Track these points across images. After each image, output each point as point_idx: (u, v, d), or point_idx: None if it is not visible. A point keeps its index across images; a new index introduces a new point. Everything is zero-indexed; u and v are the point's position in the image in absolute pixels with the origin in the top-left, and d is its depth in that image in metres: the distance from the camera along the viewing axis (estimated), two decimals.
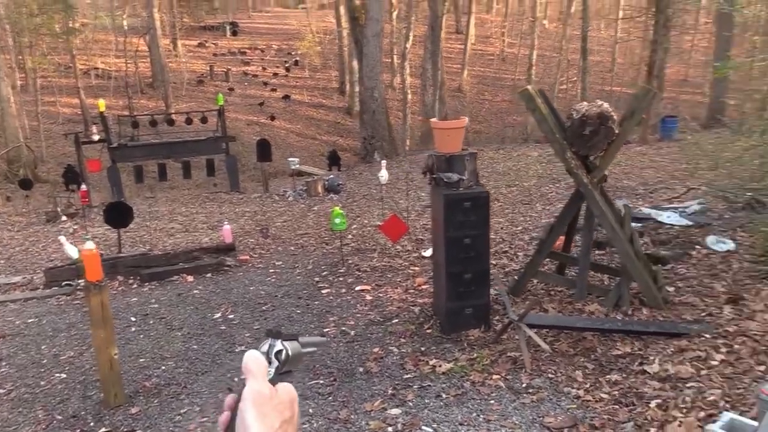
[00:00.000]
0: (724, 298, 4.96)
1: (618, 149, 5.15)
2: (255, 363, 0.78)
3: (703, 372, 3.83)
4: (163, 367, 4.99)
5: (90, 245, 3.99)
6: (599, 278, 5.84)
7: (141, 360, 5.18)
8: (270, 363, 0.80)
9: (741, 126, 8.75)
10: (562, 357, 4.32)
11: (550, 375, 4.08)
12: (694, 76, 34.26)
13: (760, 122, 7.30)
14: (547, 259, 5.81)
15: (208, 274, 7.59)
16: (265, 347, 0.81)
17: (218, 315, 6.11)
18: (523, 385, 3.98)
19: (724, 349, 4.08)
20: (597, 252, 6.48)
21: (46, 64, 26.07)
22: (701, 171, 8.56)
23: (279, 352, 0.81)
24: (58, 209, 12.34)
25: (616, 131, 4.88)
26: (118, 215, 8.14)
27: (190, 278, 7.47)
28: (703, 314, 4.75)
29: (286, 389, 0.79)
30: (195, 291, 6.99)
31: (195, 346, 5.36)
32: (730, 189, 7.68)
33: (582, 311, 5.04)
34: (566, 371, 4.10)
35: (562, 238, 5.78)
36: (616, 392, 3.77)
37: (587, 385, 3.89)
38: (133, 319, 6.22)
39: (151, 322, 6.10)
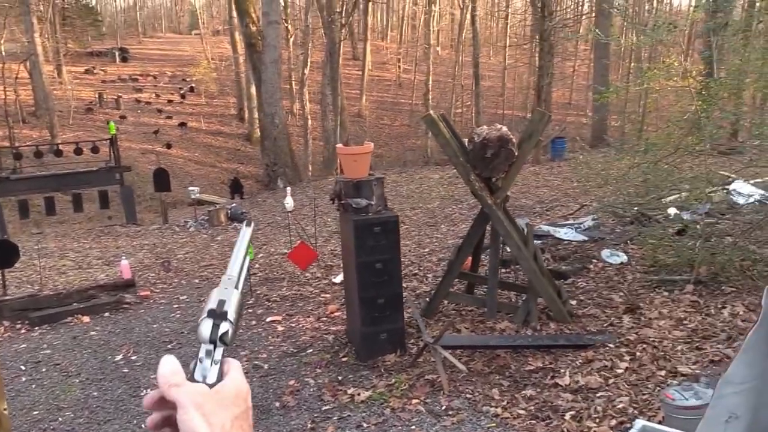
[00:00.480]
0: (622, 308, 5.24)
1: (519, 170, 5.36)
2: (172, 373, 0.67)
3: (611, 381, 4.01)
4: (60, 419, 4.61)
5: None
6: (507, 296, 6.01)
7: (34, 413, 4.76)
8: (215, 347, 0.69)
9: (623, 145, 9.37)
10: (478, 376, 4.39)
11: (468, 395, 4.12)
12: (577, 99, 36.58)
13: (641, 142, 7.83)
14: (456, 280, 5.92)
15: (106, 314, 7.14)
16: (206, 330, 0.69)
17: (120, 357, 5.74)
18: (443, 408, 4.00)
19: (627, 357, 4.30)
20: (502, 270, 6.68)
21: None
22: (592, 188, 9.07)
23: (225, 333, 0.69)
24: None
25: (516, 153, 5.08)
26: (2, 254, 7.52)
27: (86, 319, 7.00)
28: (606, 325, 4.99)
29: (233, 382, 0.69)
30: (92, 332, 6.55)
31: (95, 393, 5.00)
32: (619, 204, 8.18)
33: (494, 329, 5.16)
34: (483, 390, 4.16)
35: (470, 258, 5.92)
36: (532, 407, 3.87)
37: (504, 403, 3.97)
38: (22, 367, 5.72)
39: (44, 369, 5.64)
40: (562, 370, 4.27)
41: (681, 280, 5.54)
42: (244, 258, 0.79)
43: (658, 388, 3.74)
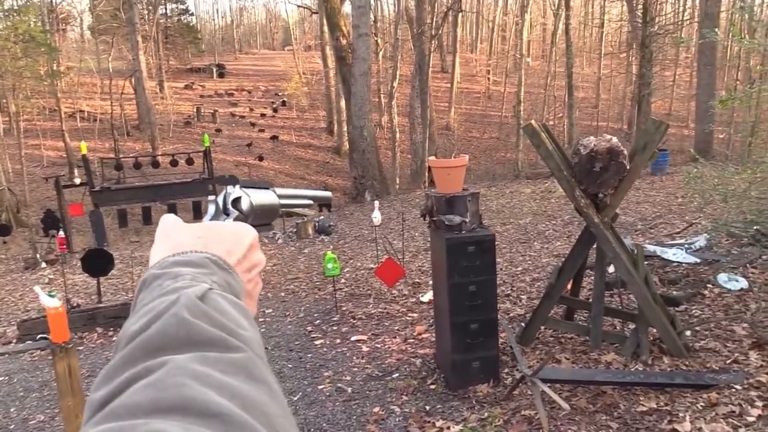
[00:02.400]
0: (747, 343, 4.62)
1: (630, 185, 4.86)
2: (165, 222, 0.64)
3: (741, 431, 3.47)
4: None
5: (54, 302, 3.57)
6: (611, 323, 5.49)
7: None
8: (228, 214, 0.64)
9: (749, 156, 8.54)
10: (582, 415, 3.93)
11: None
12: (678, 110, 34.65)
13: None
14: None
15: None
16: (220, 197, 0.66)
17: None
18: None
19: (759, 403, 3.72)
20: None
21: (29, 107, 25.76)
22: (707, 204, 8.30)
23: (237, 199, 0.65)
24: (38, 256, 11.88)
25: (628, 166, 4.60)
26: (98, 263, 7.72)
27: None
28: (729, 361, 4.40)
29: (231, 222, 0.61)
30: None
31: None
32: (736, 223, 7.41)
33: (598, 361, 4.67)
34: None
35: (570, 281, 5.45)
36: None
37: None
38: None
39: None
40: (681, 414, 3.76)
41: None
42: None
43: None
